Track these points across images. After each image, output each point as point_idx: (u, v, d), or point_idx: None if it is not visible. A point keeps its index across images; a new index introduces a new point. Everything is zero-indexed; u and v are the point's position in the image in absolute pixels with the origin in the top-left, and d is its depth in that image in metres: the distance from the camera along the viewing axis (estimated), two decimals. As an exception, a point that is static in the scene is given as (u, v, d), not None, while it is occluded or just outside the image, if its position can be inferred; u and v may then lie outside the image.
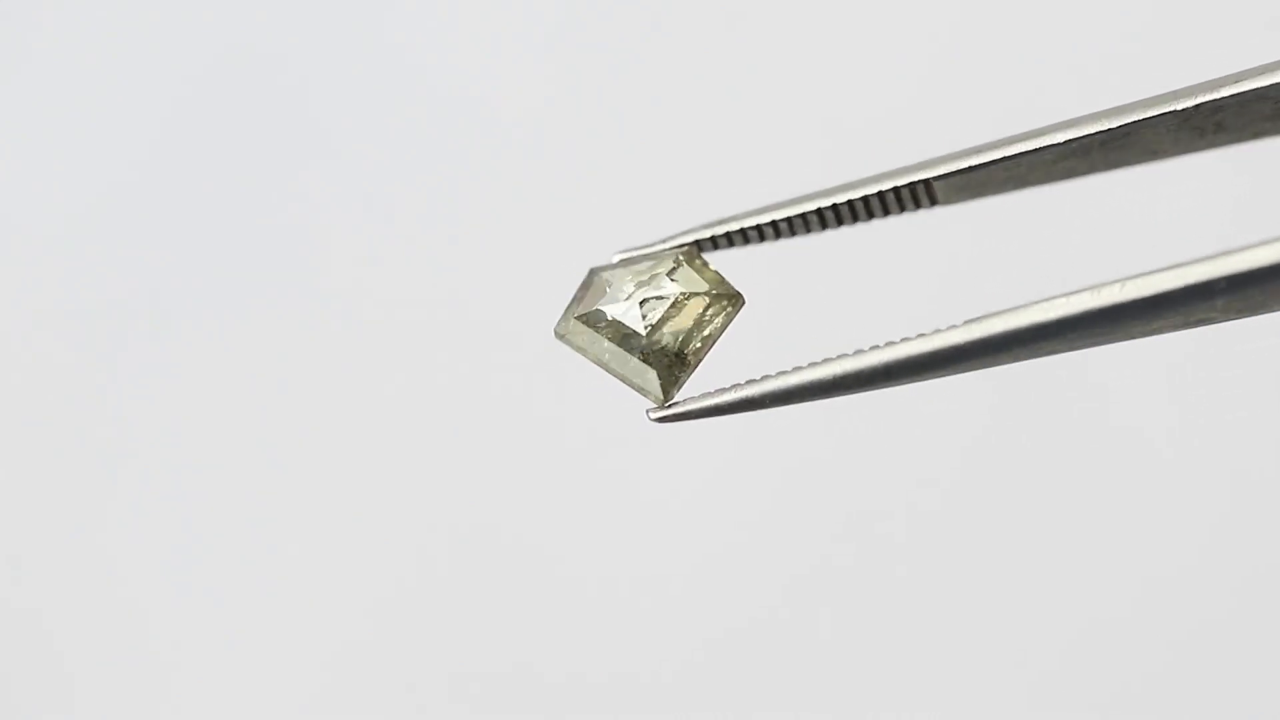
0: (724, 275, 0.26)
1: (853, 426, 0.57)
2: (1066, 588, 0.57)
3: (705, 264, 0.26)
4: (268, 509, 0.60)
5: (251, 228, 0.62)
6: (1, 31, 0.62)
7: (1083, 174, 0.28)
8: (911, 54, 0.59)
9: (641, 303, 0.26)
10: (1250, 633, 0.56)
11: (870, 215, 0.28)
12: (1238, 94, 0.28)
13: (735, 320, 0.26)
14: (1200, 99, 0.28)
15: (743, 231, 0.26)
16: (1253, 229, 0.28)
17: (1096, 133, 0.28)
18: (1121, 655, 0.57)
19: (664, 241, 0.26)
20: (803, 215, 0.28)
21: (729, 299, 0.26)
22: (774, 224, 0.26)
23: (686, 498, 0.59)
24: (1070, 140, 0.28)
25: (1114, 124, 0.28)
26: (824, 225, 0.28)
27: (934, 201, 0.28)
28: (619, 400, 0.29)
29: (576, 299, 0.26)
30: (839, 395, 0.25)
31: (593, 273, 0.26)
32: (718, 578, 0.58)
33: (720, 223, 0.26)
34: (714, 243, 0.27)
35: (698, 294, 0.26)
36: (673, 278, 0.26)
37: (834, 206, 0.28)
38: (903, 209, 0.28)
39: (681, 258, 0.26)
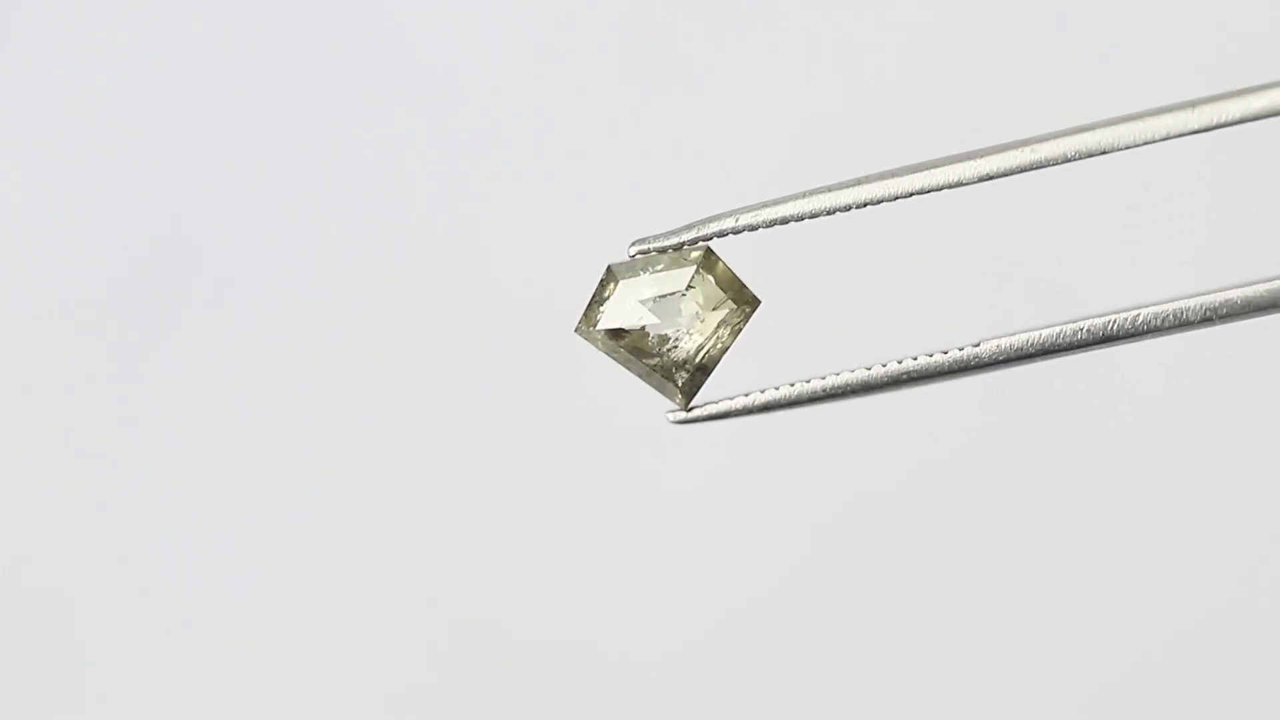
0: (739, 275, 0.26)
1: (855, 410, 0.57)
2: (1064, 568, 0.57)
3: (723, 266, 0.26)
4: (290, 500, 0.61)
5: (269, 221, 0.62)
6: (6, 18, 0.62)
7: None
8: (914, 50, 0.59)
9: (661, 316, 0.26)
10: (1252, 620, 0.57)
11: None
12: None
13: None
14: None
15: (754, 226, 0.26)
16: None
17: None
18: (1120, 644, 0.57)
19: (676, 234, 0.26)
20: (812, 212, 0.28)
21: (746, 303, 0.26)
22: (784, 218, 0.26)
23: (693, 482, 0.59)
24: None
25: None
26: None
27: None
28: (631, 390, 0.29)
29: (596, 302, 0.26)
30: (849, 399, 0.25)
31: (610, 274, 0.26)
32: (722, 559, 0.59)
33: (732, 214, 0.26)
34: (726, 232, 0.26)
35: (717, 307, 0.27)
36: (691, 288, 0.26)
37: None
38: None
39: (700, 267, 0.26)
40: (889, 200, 0.24)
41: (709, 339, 0.26)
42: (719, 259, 0.26)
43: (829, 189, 0.25)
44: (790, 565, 0.58)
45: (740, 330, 0.27)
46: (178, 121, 0.62)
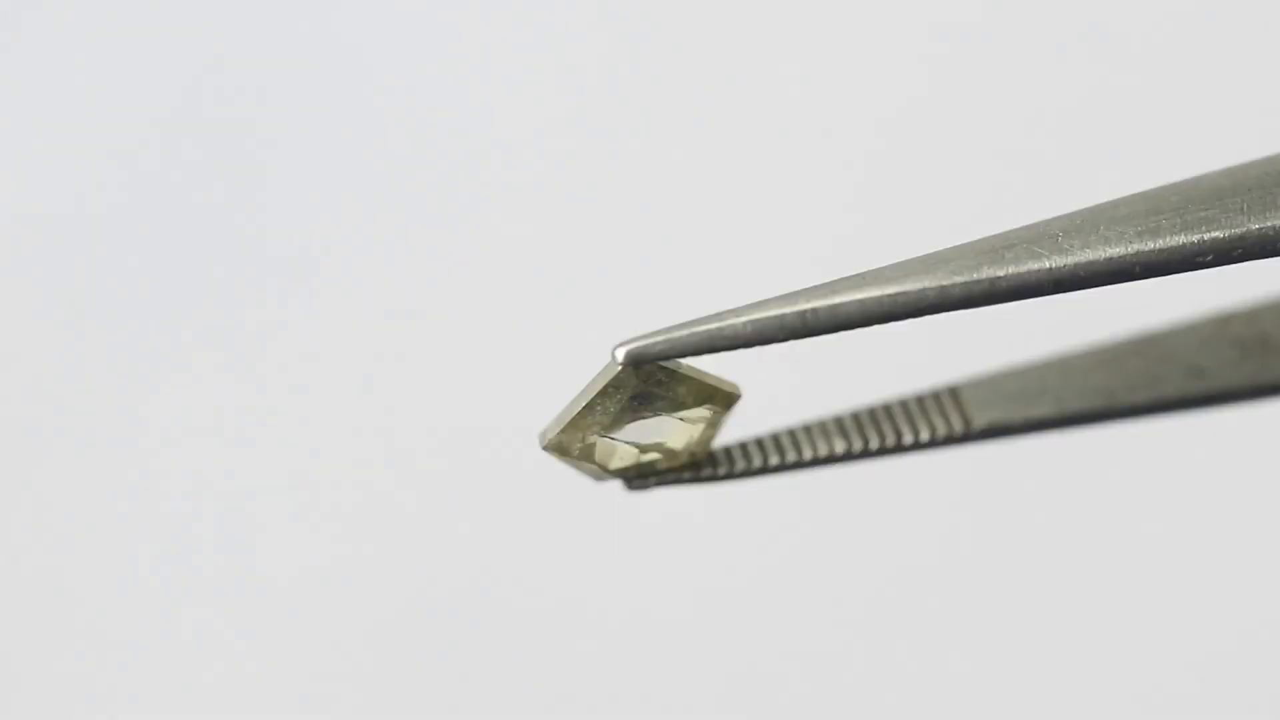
0: (713, 378, 0.24)
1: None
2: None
3: (701, 378, 0.25)
4: (264, 511, 0.60)
5: (244, 247, 0.62)
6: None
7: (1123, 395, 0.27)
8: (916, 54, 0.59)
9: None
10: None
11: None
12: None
13: None
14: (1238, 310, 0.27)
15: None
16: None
17: (1130, 343, 0.27)
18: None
19: (667, 340, 0.24)
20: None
21: (724, 407, 0.25)
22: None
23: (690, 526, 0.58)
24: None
25: (1149, 335, 0.27)
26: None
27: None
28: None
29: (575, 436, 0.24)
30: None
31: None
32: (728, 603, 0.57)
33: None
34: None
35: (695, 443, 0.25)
36: (673, 440, 0.25)
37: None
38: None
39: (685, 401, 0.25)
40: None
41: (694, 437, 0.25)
42: (695, 373, 0.25)
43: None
44: (787, 557, 0.57)
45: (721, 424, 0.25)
46: (172, 130, 0.62)
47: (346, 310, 0.61)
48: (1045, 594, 0.56)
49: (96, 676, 0.60)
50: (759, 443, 0.26)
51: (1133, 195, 0.24)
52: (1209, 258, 0.23)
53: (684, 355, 0.23)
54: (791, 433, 0.26)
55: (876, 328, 0.24)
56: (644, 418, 0.24)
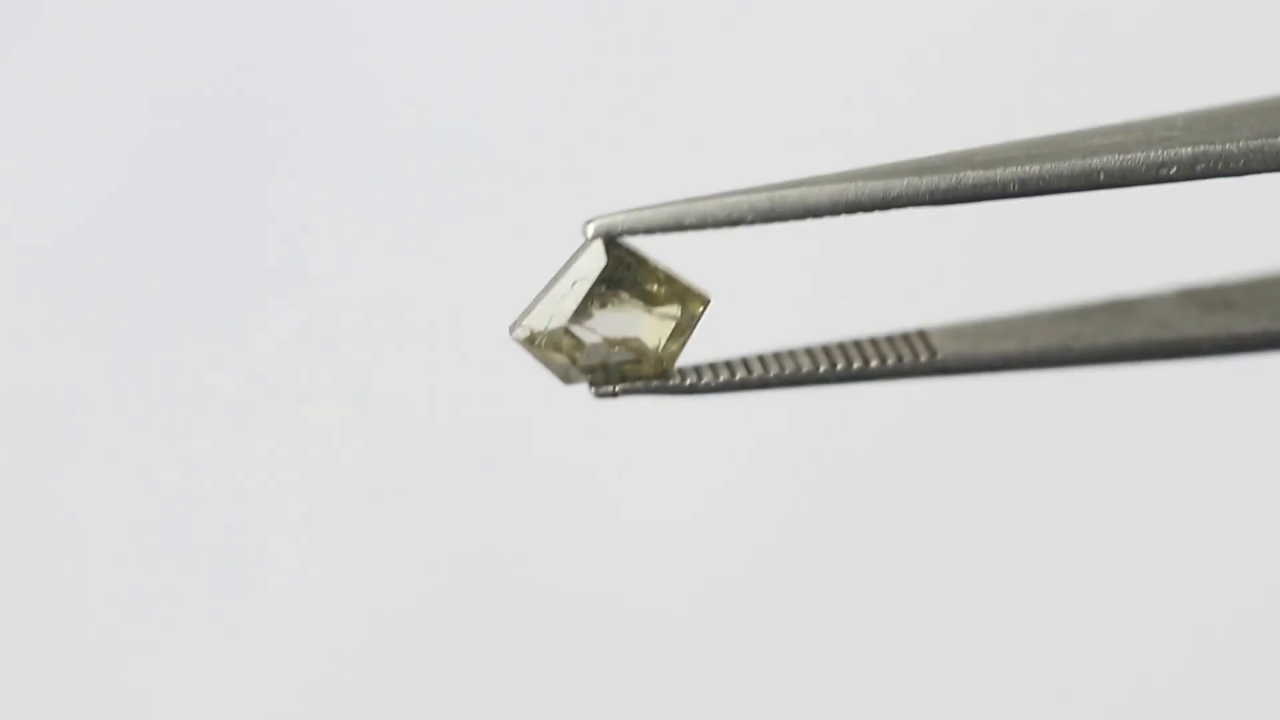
0: (685, 278, 0.25)
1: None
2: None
3: (672, 275, 0.25)
4: (249, 514, 0.60)
5: (237, 224, 0.62)
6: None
7: (1088, 338, 0.27)
8: (907, 56, 0.59)
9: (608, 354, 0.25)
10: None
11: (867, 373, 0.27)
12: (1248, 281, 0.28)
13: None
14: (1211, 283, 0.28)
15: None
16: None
17: (1101, 303, 0.28)
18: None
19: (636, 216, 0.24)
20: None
21: (694, 310, 0.25)
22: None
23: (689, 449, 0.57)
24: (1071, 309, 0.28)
25: (1119, 297, 0.28)
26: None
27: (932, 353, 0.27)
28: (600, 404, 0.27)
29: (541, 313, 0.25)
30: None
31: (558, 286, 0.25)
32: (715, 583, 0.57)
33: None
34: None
35: (666, 344, 0.25)
36: (643, 335, 0.25)
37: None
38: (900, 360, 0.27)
39: (656, 289, 0.25)
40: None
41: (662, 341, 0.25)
42: (668, 274, 0.25)
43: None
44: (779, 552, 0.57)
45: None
46: (160, 138, 0.62)
47: (342, 307, 0.62)
48: (1045, 589, 0.56)
49: (95, 677, 0.59)
50: (727, 362, 0.26)
51: (1100, 125, 0.25)
52: (1172, 170, 0.24)
53: (654, 230, 0.24)
54: (760, 356, 0.26)
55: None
56: (614, 305, 0.25)
